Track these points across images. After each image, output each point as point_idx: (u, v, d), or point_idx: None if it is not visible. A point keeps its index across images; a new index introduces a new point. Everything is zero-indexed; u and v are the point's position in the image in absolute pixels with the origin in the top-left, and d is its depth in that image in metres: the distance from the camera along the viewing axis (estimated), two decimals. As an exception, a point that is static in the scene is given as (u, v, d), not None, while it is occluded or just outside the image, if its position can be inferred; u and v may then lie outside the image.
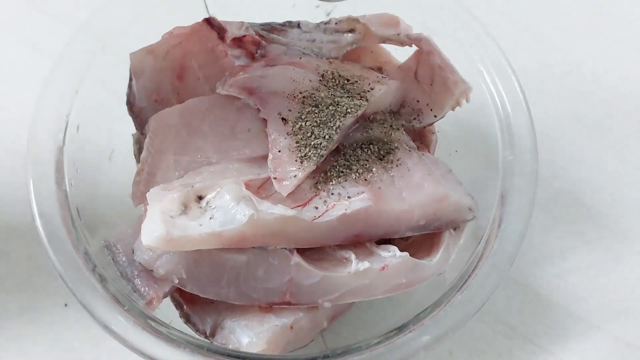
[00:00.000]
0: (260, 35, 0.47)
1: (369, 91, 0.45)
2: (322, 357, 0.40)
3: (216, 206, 0.41)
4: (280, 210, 0.40)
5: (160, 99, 0.47)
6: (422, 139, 0.50)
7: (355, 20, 0.49)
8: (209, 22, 0.46)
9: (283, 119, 0.44)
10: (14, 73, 0.60)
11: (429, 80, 0.48)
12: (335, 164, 0.44)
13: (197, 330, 0.43)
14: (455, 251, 0.45)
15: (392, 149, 0.45)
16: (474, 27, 0.49)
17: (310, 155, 0.42)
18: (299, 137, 0.43)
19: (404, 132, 0.47)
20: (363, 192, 0.42)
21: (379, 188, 0.42)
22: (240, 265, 0.41)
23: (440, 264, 0.44)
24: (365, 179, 0.43)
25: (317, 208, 0.41)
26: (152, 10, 0.49)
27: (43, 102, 0.45)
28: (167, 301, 0.45)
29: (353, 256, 0.42)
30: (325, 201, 0.42)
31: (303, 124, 0.43)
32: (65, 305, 0.50)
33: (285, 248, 0.41)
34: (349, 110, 0.43)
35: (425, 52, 0.48)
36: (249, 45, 0.47)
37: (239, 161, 0.44)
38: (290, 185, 0.41)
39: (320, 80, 0.45)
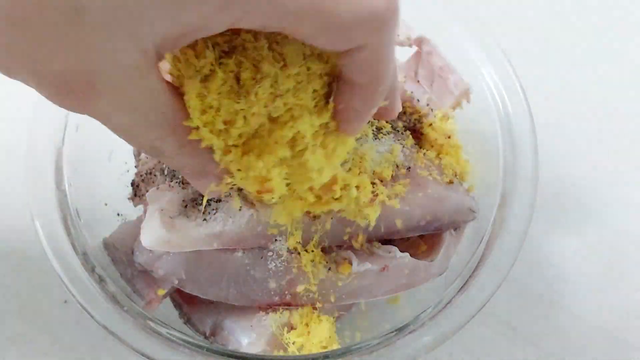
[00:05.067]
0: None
1: (369, 91, 0.45)
2: (322, 357, 0.40)
3: (216, 206, 0.40)
4: (280, 210, 0.40)
5: (160, 99, 0.47)
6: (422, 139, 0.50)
7: (356, 20, 0.48)
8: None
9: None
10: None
11: (429, 81, 0.48)
12: (335, 164, 0.43)
13: (196, 331, 0.43)
14: (455, 252, 0.45)
15: (392, 150, 0.45)
16: (475, 27, 0.49)
17: (310, 156, 0.42)
18: (299, 137, 0.42)
19: (404, 133, 0.47)
20: (363, 193, 0.42)
21: (379, 188, 0.42)
22: (240, 266, 0.41)
23: (440, 264, 0.44)
24: (366, 180, 0.43)
25: (317, 208, 0.41)
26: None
27: (42, 102, 0.45)
28: (167, 302, 0.44)
29: (353, 257, 0.42)
30: (325, 201, 0.41)
31: (303, 124, 0.43)
32: (65, 301, 0.50)
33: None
34: (349, 110, 0.43)
35: (425, 52, 0.48)
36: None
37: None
38: (290, 185, 0.41)
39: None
